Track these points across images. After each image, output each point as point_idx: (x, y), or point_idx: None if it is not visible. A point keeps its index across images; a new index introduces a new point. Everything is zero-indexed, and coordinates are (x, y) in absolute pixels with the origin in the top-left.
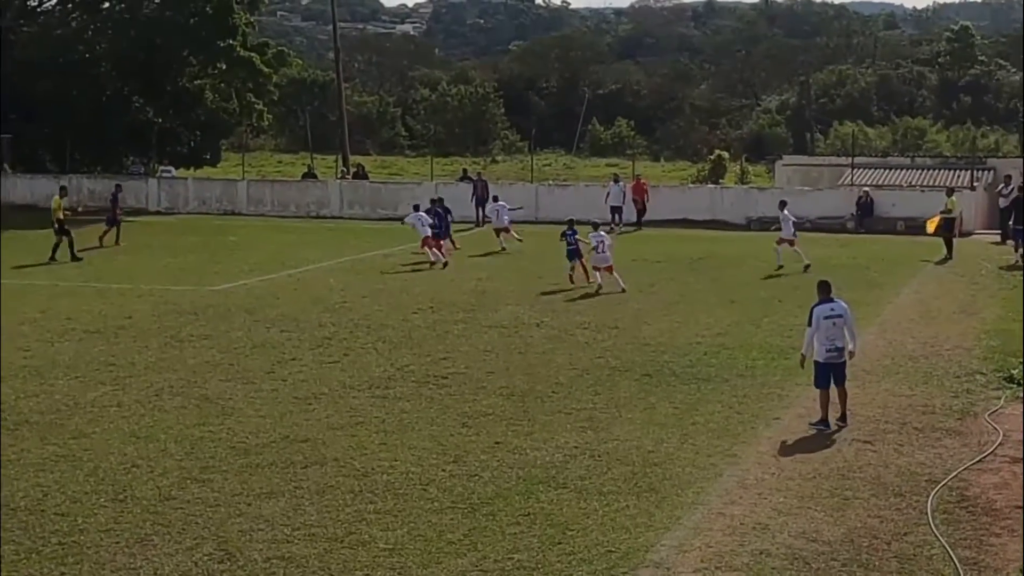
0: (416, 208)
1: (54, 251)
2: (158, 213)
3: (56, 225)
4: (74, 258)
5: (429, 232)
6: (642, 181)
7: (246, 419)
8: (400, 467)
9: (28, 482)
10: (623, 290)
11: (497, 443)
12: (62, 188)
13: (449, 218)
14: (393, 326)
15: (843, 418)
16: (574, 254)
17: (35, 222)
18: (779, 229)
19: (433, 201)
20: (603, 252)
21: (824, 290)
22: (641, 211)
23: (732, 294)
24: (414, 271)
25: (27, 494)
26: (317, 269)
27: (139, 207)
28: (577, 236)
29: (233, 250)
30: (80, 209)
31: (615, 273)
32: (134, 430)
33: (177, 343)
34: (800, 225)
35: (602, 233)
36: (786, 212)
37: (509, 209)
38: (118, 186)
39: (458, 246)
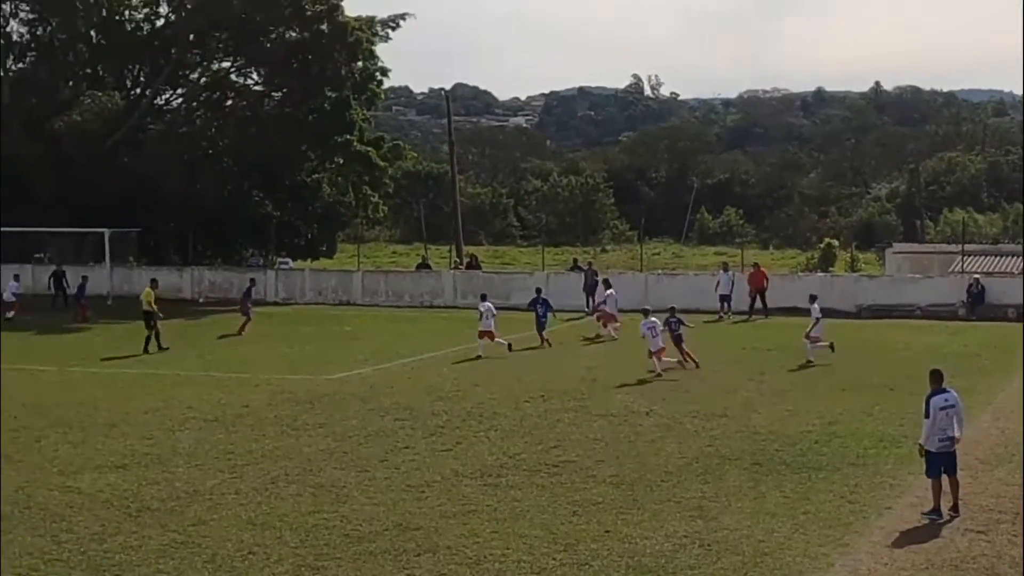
0: (484, 297)
1: (148, 343)
2: (275, 304)
3: (146, 317)
4: (160, 347)
5: (491, 327)
6: (761, 269)
7: (360, 507)
8: (512, 555)
9: (149, 568)
10: (690, 366)
11: (607, 532)
12: (153, 280)
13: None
14: (505, 414)
15: (955, 508)
16: (678, 340)
17: (160, 312)
18: (891, 315)
19: (593, 274)
20: (656, 336)
21: (937, 380)
22: (754, 298)
23: (843, 382)
24: (526, 352)
25: None
26: (431, 358)
27: (257, 298)
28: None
29: (348, 340)
30: (201, 300)
31: (665, 356)
32: (251, 517)
33: (293, 431)
34: (911, 312)
35: (653, 319)
36: (816, 306)
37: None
38: (252, 280)
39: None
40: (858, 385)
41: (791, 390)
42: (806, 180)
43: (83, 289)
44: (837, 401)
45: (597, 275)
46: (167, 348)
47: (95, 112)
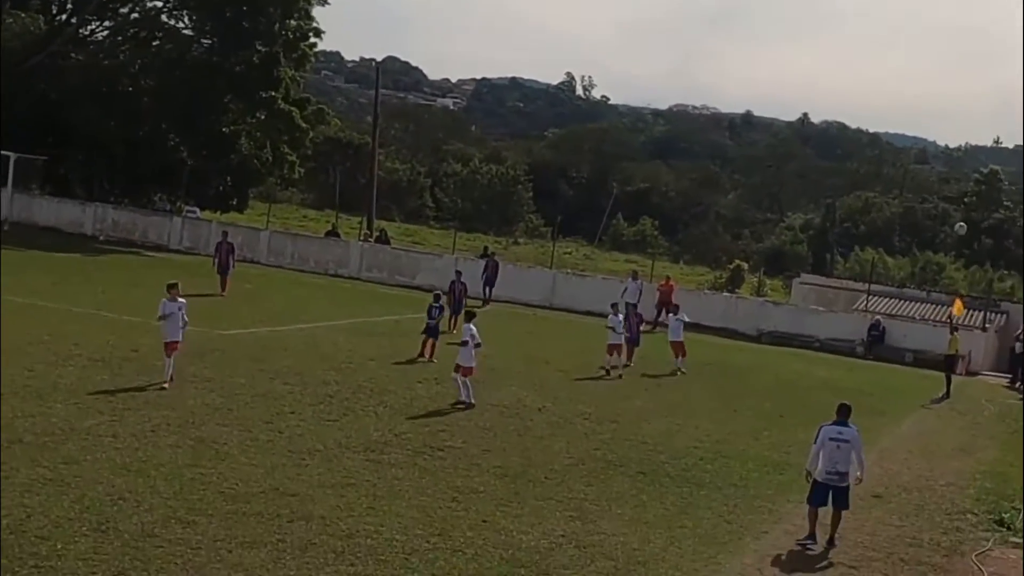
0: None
1: None
2: (179, 252)
3: None
4: None
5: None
6: (671, 282)
7: (238, 466)
8: (385, 533)
9: (13, 502)
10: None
11: (484, 521)
12: None
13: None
14: (396, 392)
15: (831, 541)
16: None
17: (57, 245)
18: (791, 344)
19: (494, 264)
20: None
21: (842, 413)
22: (660, 309)
23: (735, 403)
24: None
25: (10, 513)
26: (328, 327)
27: (161, 243)
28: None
29: (247, 298)
30: (102, 238)
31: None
32: (126, 463)
33: (180, 382)
34: (810, 343)
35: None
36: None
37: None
38: (225, 232)
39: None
40: (750, 408)
41: (684, 404)
42: (724, 200)
43: None
44: (728, 421)
45: (498, 267)
46: None
47: (16, 32)
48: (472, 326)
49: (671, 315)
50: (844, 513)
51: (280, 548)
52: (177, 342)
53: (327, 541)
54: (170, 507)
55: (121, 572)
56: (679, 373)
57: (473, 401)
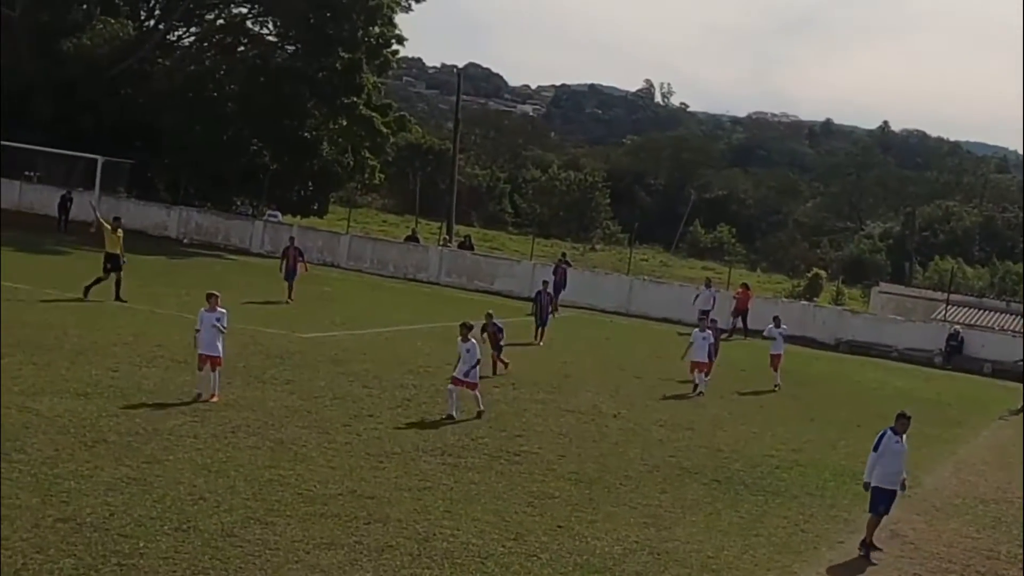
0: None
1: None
2: (260, 256)
3: (111, 261)
4: (118, 297)
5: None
6: (748, 291)
7: (317, 468)
8: (461, 537)
9: (97, 500)
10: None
11: (560, 527)
12: (117, 219)
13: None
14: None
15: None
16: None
17: (143, 247)
18: (869, 353)
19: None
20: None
21: (896, 420)
22: (736, 318)
23: (812, 412)
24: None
25: (94, 511)
26: (408, 331)
27: (242, 247)
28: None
29: (326, 301)
30: (185, 241)
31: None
32: (206, 463)
33: (260, 384)
34: (888, 352)
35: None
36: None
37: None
38: (292, 238)
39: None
40: (826, 417)
41: (759, 413)
42: (802, 208)
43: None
44: (804, 430)
45: (567, 273)
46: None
47: (105, 38)
48: (473, 340)
49: (772, 326)
50: (920, 523)
51: (357, 550)
52: (210, 356)
53: (403, 544)
54: (249, 508)
55: (201, 571)
56: (776, 388)
57: (456, 415)
